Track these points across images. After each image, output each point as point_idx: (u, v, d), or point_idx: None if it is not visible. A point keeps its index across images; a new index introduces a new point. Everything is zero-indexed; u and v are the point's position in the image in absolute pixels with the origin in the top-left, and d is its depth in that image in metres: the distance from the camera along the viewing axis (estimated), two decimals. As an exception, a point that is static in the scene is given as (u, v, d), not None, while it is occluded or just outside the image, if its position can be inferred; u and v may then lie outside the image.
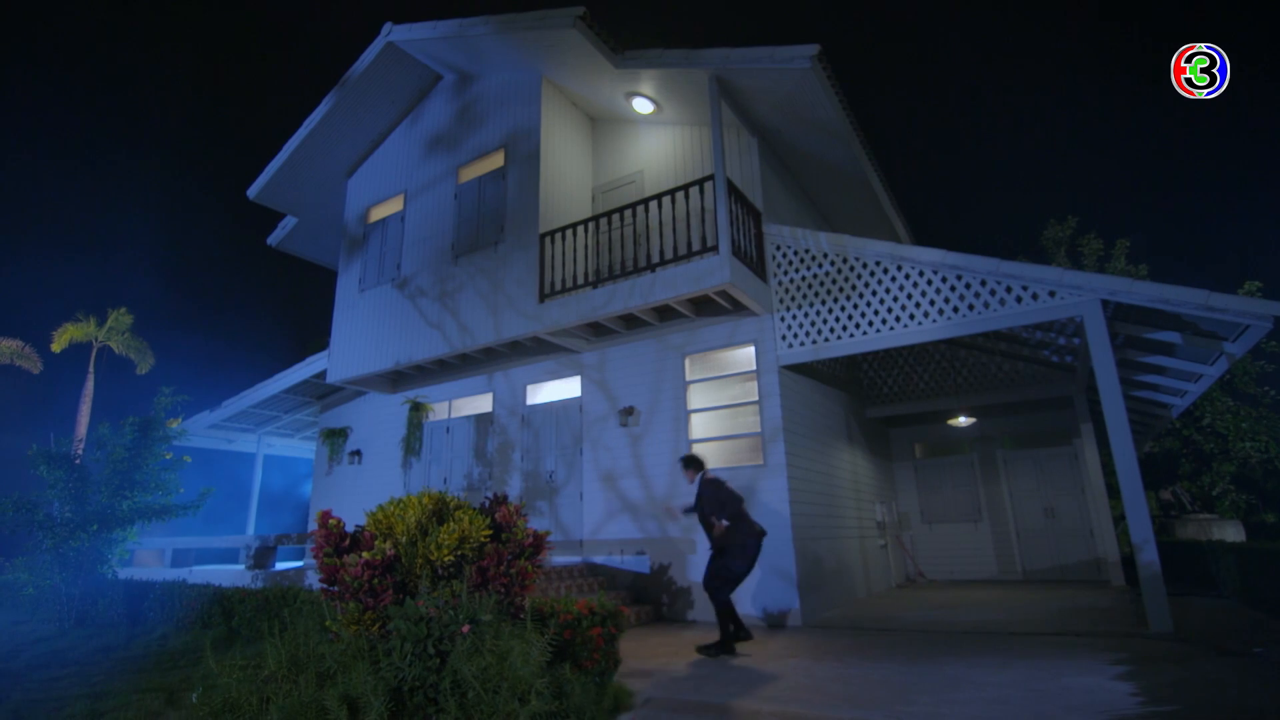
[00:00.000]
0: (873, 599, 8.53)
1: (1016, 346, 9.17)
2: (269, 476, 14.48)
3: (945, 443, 11.72)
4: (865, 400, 10.84)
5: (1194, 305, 5.40)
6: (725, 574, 5.25)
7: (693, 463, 5.76)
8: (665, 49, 7.45)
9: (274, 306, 32.47)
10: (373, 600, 3.62)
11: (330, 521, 3.87)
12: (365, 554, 3.68)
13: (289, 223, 11.82)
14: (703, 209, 7.04)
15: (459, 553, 3.82)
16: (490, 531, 3.96)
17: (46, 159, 30.73)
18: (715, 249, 6.75)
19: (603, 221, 7.94)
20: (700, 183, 7.01)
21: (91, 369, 14.82)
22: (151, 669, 5.12)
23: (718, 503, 5.34)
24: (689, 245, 6.98)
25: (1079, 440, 9.85)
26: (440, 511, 4.08)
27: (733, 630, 5.15)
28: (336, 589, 3.70)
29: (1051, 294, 6.02)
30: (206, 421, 11.99)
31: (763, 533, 5.34)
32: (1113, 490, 16.04)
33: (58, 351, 14.46)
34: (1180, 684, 3.71)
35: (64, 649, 5.96)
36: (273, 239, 12.03)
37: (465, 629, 3.26)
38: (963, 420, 9.64)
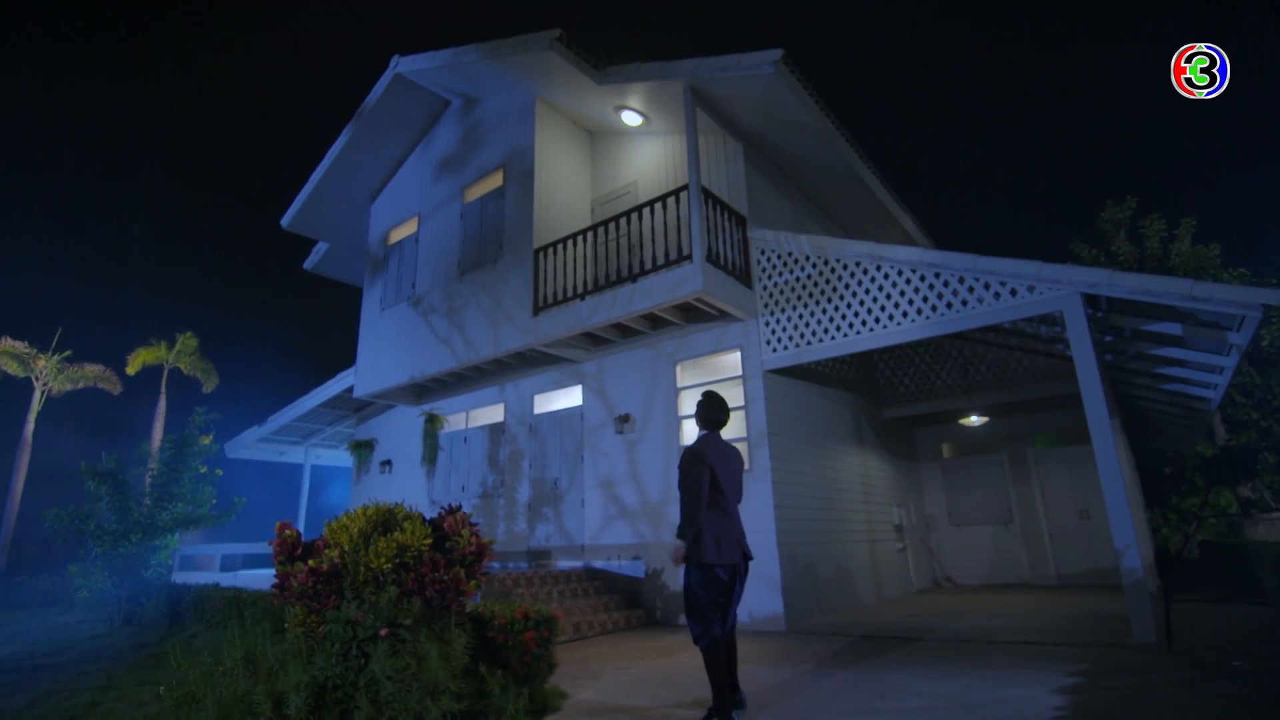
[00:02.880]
0: (882, 605, 8.34)
1: (1029, 341, 8.77)
2: (321, 485, 15.44)
3: (973, 442, 11.27)
4: (882, 401, 10.58)
5: (1177, 296, 5.10)
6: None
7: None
8: (642, 63, 7.59)
9: (319, 326, 35.08)
10: (317, 604, 3.93)
11: (286, 532, 4.21)
12: (311, 562, 4.00)
13: (321, 248, 12.62)
14: (679, 219, 7.13)
15: (400, 561, 4.08)
16: (430, 541, 4.21)
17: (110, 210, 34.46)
18: (689, 257, 6.82)
19: (589, 235, 8.13)
20: (676, 193, 7.10)
21: (163, 388, 16.22)
22: (167, 665, 5.66)
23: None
24: (666, 255, 7.09)
25: (1110, 437, 9.30)
26: (388, 522, 4.36)
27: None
28: (287, 593, 4.03)
29: (1031, 289, 5.80)
30: (256, 435, 12.93)
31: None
32: (1149, 490, 14.95)
33: (132, 374, 15.91)
34: (1119, 698, 3.56)
35: (104, 646, 6.64)
36: (308, 264, 12.86)
37: (384, 632, 3.51)
38: (974, 420, 9.29)
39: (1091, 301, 6.06)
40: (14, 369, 14.35)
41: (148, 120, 37.94)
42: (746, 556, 3.72)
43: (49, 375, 14.86)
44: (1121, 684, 3.84)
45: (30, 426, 14.26)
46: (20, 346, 14.33)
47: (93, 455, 8.11)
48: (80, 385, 15.43)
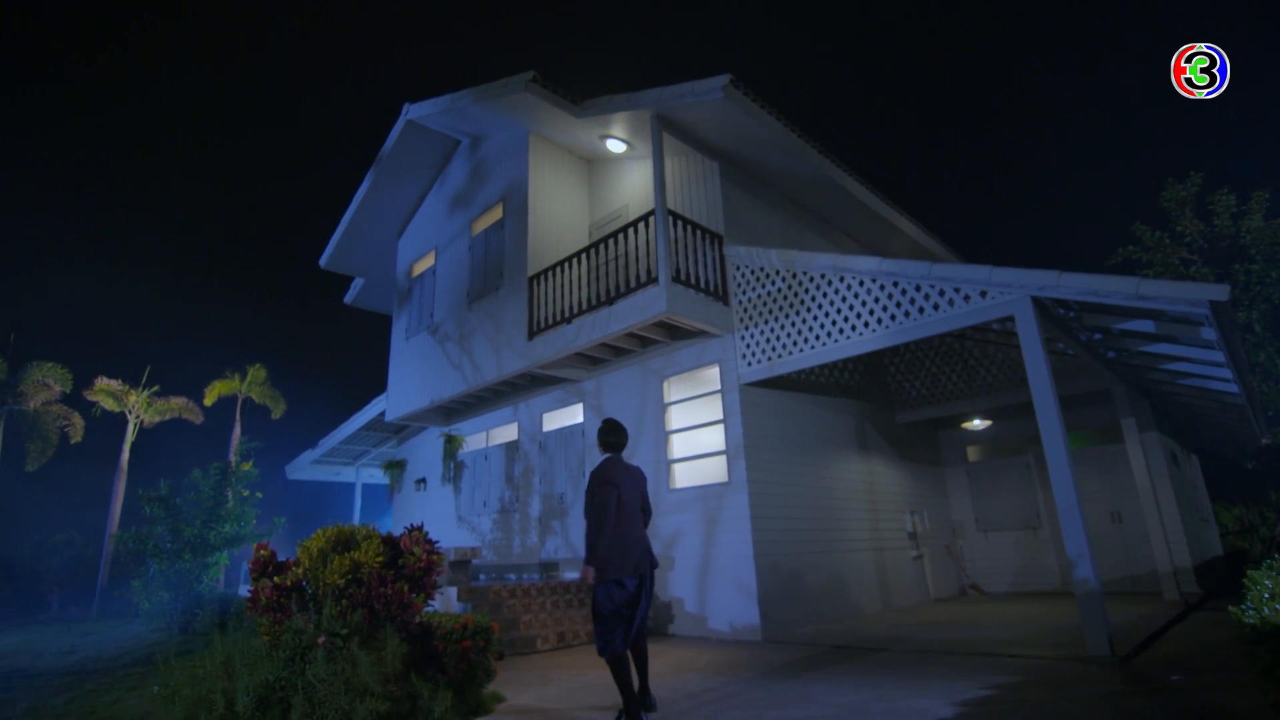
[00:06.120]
0: (886, 614, 8.24)
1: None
2: (372, 502, 16.53)
3: (998, 444, 10.88)
4: (894, 405, 10.42)
5: (1124, 295, 4.96)
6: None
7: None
8: (613, 95, 7.95)
9: (367, 354, 38.16)
10: (280, 615, 4.46)
11: (261, 552, 4.79)
12: (276, 578, 4.55)
13: (359, 283, 13.63)
14: (649, 242, 7.41)
15: (354, 576, 4.57)
16: (383, 558, 4.68)
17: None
18: (657, 279, 7.09)
19: (575, 261, 8.51)
20: (646, 217, 7.39)
21: (238, 416, 17.84)
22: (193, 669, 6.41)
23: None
24: (638, 277, 7.39)
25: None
26: (348, 541, 4.87)
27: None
28: (257, 606, 4.59)
29: (983, 294, 5.73)
30: (310, 458, 14.05)
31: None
32: (1217, 492, 13.76)
33: (209, 404, 17.60)
34: (1013, 712, 3.58)
35: (156, 652, 7.52)
36: (348, 298, 13.92)
37: (320, 640, 3.98)
38: (977, 424, 9.01)
39: (1062, 303, 5.92)
40: (110, 405, 16.21)
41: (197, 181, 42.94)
42: (652, 565, 4.05)
43: (140, 409, 16.66)
44: (1031, 698, 3.82)
45: (125, 455, 16.05)
46: (115, 385, 16.18)
47: (179, 479, 9.15)
48: (167, 416, 17.20)
